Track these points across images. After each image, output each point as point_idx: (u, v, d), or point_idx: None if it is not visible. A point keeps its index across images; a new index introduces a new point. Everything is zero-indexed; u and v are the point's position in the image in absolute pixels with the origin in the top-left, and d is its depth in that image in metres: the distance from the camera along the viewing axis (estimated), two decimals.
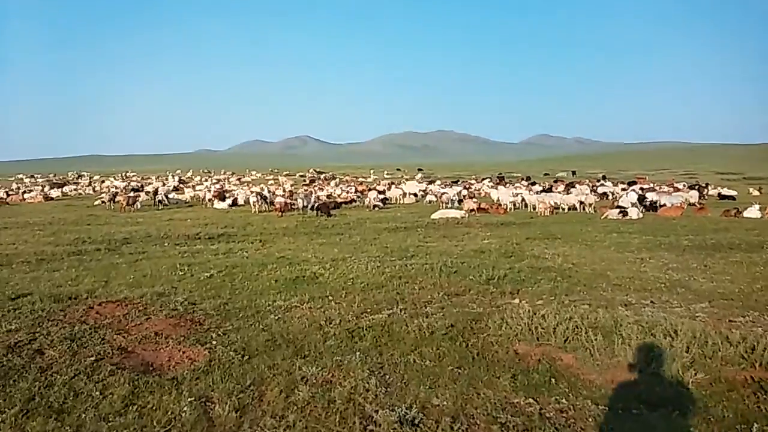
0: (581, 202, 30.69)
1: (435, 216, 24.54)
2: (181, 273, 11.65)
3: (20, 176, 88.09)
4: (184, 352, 6.51)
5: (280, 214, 26.84)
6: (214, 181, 63.45)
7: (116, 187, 47.52)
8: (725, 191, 40.55)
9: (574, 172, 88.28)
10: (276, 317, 8.27)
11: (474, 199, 28.67)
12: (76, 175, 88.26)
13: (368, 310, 9.03)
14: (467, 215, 25.25)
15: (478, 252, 15.09)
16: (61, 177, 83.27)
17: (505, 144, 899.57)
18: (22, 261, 12.74)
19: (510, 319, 7.97)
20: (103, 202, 32.97)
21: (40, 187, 52.37)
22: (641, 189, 37.18)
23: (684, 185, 44.59)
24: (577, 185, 44.46)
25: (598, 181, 57.32)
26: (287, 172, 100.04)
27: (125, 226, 20.99)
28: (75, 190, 52.34)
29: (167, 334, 7.15)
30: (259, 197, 31.12)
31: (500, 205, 29.93)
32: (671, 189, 39.06)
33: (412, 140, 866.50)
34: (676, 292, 10.17)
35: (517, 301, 9.81)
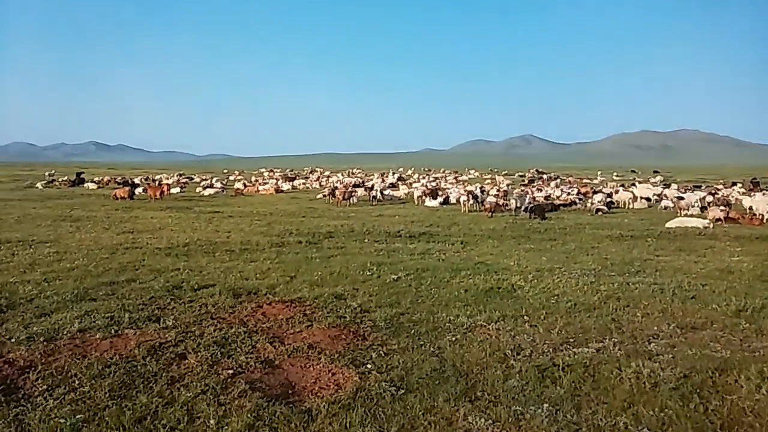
0: None
1: (671, 224, 20.94)
2: (368, 273, 10.97)
3: (262, 170, 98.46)
4: (333, 374, 5.54)
5: (489, 214, 25.41)
6: (431, 179, 64.23)
7: (341, 182, 50.43)
8: None
9: None
10: (453, 338, 6.95)
11: (722, 207, 23.97)
12: (309, 171, 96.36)
13: (571, 340, 7.25)
14: (712, 225, 21.13)
15: (724, 272, 12.03)
16: (296, 172, 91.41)
17: (761, 146, 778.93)
18: (227, 250, 13.26)
19: None
20: (324, 195, 34.87)
21: (275, 180, 57.78)
22: None
23: None
24: None
25: None
26: (506, 171, 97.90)
27: (335, 220, 21.45)
28: (304, 184, 56.74)
29: (323, 347, 6.28)
30: (469, 196, 30.03)
31: (755, 214, 24.68)
32: None
33: (648, 140, 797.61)
34: None
35: None
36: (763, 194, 32.54)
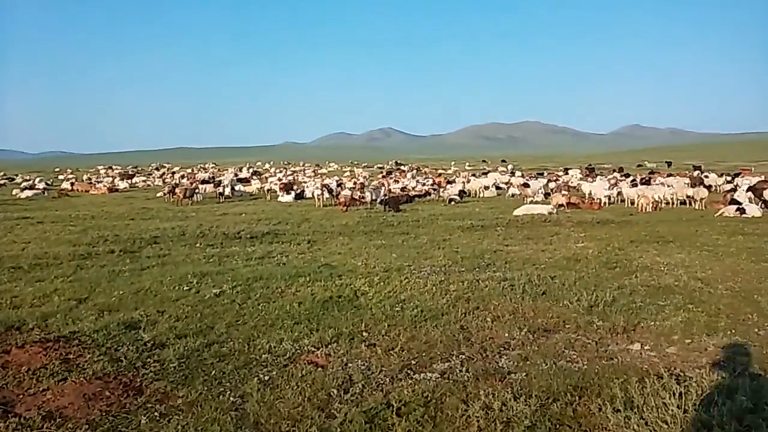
0: (689, 196, 26.15)
1: (518, 212, 21.08)
2: (185, 288, 9.12)
3: (99, 167, 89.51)
4: None
5: (344, 208, 24.24)
6: (289, 173, 62.19)
7: (187, 177, 46.79)
8: None
9: (669, 163, 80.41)
10: (266, 378, 5.46)
11: (563, 193, 24.81)
12: (155, 167, 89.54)
13: (413, 362, 6.09)
14: (556, 211, 21.60)
15: (572, 260, 11.73)
16: (138, 168, 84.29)
17: (595, 135, 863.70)
18: (12, 267, 10.64)
19: (636, 394, 4.75)
20: (164, 194, 31.73)
21: (111, 179, 52.60)
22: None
23: None
24: (677, 177, 39.25)
25: (696, 171, 51.11)
26: (366, 164, 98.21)
27: (169, 222, 19.01)
28: (144, 181, 52.19)
29: (69, 415, 4.46)
30: (324, 189, 28.73)
31: (594, 199, 25.89)
32: None
33: (496, 131, 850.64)
34: None
35: (636, 346, 6.56)
36: (600, 180, 34.68)
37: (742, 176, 38.96)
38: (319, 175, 58.21)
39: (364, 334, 7.12)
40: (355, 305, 8.44)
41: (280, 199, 30.77)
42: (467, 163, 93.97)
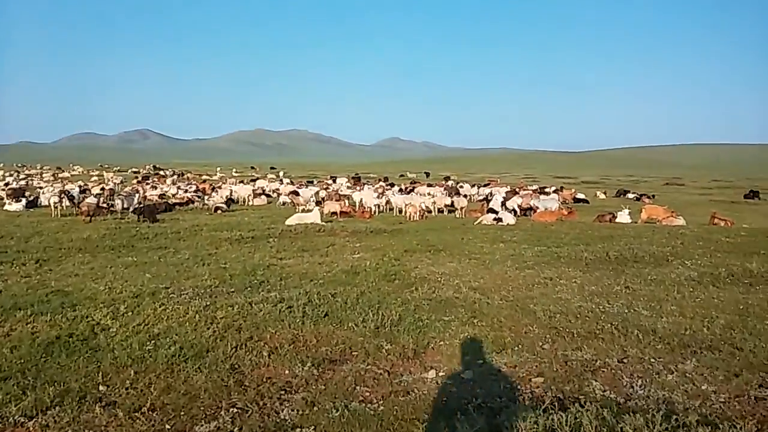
0: (449, 205, 28.07)
1: (290, 221, 20.11)
2: None
3: None
4: None
5: (87, 219, 20.76)
6: (22, 177, 53.21)
7: None
8: (579, 195, 40.53)
9: (427, 174, 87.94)
10: None
11: (336, 202, 24.59)
12: None
13: (167, 428, 4.60)
14: (329, 213, 21.19)
15: (351, 273, 11.07)
16: None
17: (359, 146, 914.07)
18: None
19: None
20: None
21: None
22: (509, 193, 35.58)
23: (534, 188, 44.17)
24: (436, 186, 42.39)
25: (449, 182, 56.30)
26: (118, 168, 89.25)
27: None
28: None
29: None
30: (63, 196, 24.53)
31: (365, 208, 26.17)
32: (526, 192, 37.95)
33: (264, 138, 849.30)
34: (630, 335, 6.91)
35: (431, 374, 5.93)
36: (368, 188, 35.58)
37: (491, 186, 43.49)
38: (59, 180, 50.74)
39: (101, 388, 5.39)
40: (91, 346, 6.55)
41: (7, 207, 25.56)
42: (234, 169, 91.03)
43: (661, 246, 13.66)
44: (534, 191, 38.86)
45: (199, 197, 30.84)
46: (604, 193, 48.50)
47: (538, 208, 26.07)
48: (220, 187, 37.74)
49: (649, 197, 41.83)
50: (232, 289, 9.59)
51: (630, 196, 45.88)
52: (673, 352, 6.37)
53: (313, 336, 7.03)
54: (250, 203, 32.87)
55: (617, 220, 23.16)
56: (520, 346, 6.62)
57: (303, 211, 26.47)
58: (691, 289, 9.43)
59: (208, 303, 8.47)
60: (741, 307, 8.27)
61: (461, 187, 40.93)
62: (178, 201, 28.72)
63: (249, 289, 9.66)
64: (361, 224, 20.06)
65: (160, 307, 8.22)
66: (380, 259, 12.77)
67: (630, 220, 23.15)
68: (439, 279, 10.45)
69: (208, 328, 7.22)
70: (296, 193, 31.38)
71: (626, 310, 8.05)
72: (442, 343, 6.85)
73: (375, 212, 26.29)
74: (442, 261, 12.53)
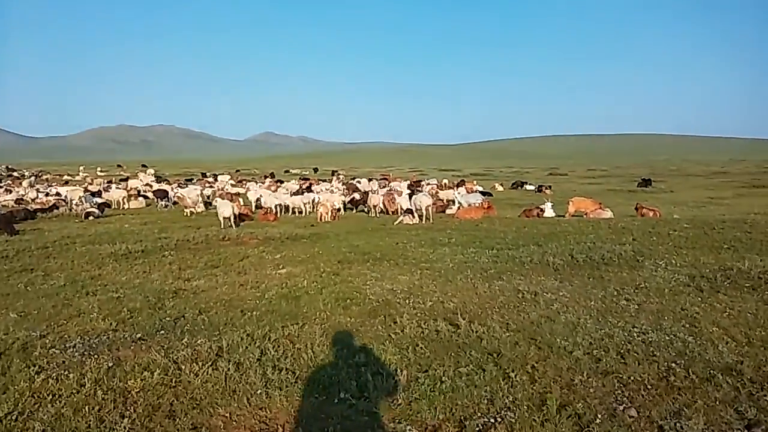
0: (356, 202, 26.07)
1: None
2: None
3: None
4: None
5: None
6: None
7: None
8: (480, 188, 40.19)
9: (316, 170, 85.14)
10: None
11: (235, 203, 21.55)
12: None
13: None
14: (231, 225, 18.38)
15: (290, 298, 8.70)
16: None
17: (231, 141, 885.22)
18: None
19: None
20: None
21: None
22: (413, 186, 34.22)
23: (444, 182, 43.42)
24: (331, 183, 40.29)
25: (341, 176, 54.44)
26: None
27: None
28: None
29: None
30: None
31: (268, 209, 23.35)
32: (436, 187, 36.99)
33: (128, 135, 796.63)
34: (714, 380, 5.27)
35: None
36: (259, 186, 32.60)
37: (389, 181, 41.98)
38: None
39: None
40: None
41: None
42: (99, 168, 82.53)
43: (619, 244, 12.55)
44: (440, 186, 37.97)
45: (64, 202, 26.28)
46: (501, 185, 48.74)
47: (462, 204, 24.73)
48: (87, 189, 32.89)
49: (547, 188, 42.41)
50: (139, 335, 6.93)
51: (529, 187, 46.40)
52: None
53: (291, 418, 4.72)
54: (126, 206, 28.81)
55: (545, 215, 22.31)
56: (593, 412, 4.73)
57: (191, 213, 23.26)
58: (699, 299, 8.12)
59: (110, 364, 5.84)
60: None
61: (359, 182, 39.03)
62: (39, 206, 24.18)
63: (162, 333, 7.04)
64: (271, 229, 17.48)
65: (37, 375, 5.48)
66: (316, 273, 10.50)
67: (554, 214, 22.39)
68: (406, 301, 8.35)
69: (122, 417, 4.67)
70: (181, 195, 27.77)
71: (666, 336, 6.45)
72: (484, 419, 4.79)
73: (277, 214, 23.59)
74: (390, 274, 10.41)
